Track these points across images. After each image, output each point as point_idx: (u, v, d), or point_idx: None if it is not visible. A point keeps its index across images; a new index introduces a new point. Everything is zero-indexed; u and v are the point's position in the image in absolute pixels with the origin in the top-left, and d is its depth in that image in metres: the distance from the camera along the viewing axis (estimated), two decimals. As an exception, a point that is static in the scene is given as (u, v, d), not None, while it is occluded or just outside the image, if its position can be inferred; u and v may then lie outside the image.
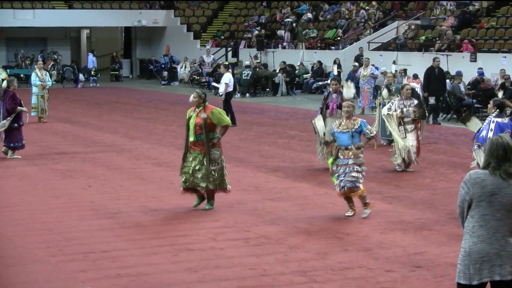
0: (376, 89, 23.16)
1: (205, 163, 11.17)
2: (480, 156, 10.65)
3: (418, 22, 33.65)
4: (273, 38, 38.81)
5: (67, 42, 44.61)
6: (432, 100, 22.81)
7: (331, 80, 15.32)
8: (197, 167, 11.18)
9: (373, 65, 26.17)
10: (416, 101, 14.80)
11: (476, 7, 31.90)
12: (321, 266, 8.69)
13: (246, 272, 8.48)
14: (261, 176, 14.36)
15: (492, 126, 10.53)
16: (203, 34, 43.37)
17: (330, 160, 11.15)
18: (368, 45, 33.18)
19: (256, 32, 38.93)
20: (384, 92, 18.11)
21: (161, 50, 43.96)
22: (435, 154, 16.38)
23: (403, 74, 24.33)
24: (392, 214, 11.28)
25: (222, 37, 42.30)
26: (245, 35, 40.29)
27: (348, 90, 12.57)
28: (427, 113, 14.89)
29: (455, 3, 33.44)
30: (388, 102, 17.79)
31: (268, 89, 33.21)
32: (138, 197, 12.38)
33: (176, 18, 44.12)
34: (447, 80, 24.66)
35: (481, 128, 10.83)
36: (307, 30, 37.40)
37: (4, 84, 16.62)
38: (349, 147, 10.80)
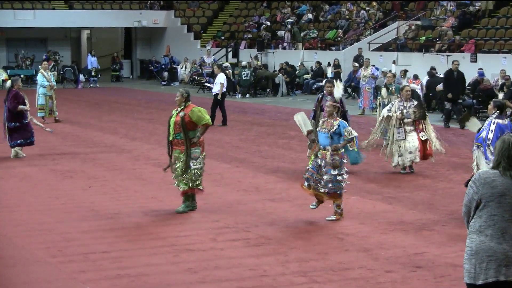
0: (377, 90, 23.16)
1: (185, 161, 11.12)
2: (479, 157, 10.65)
3: (419, 22, 33.65)
4: (273, 39, 38.81)
5: (68, 42, 44.62)
6: (448, 106, 22.41)
7: (325, 82, 15.03)
8: (179, 167, 11.16)
9: (373, 65, 26.16)
10: (416, 102, 14.77)
11: (477, 7, 31.90)
12: (321, 266, 8.69)
13: (246, 272, 8.48)
14: (261, 177, 14.36)
15: (493, 127, 10.52)
16: (203, 34, 43.37)
17: (311, 158, 10.92)
18: (369, 46, 33.18)
19: (264, 32, 38.85)
20: (383, 91, 18.09)
21: (162, 50, 43.96)
22: (435, 155, 16.35)
23: (402, 75, 24.34)
24: (392, 215, 11.28)
25: (223, 37, 42.30)
26: (245, 36, 40.29)
27: (337, 90, 12.33)
28: (427, 113, 14.77)
29: (456, 3, 33.44)
30: (388, 101, 17.82)
31: (268, 90, 33.22)
32: (138, 198, 12.38)
33: (176, 19, 44.13)
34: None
35: (481, 129, 10.82)
36: (308, 31, 37.41)
37: (8, 83, 16.68)
38: (327, 147, 10.64)
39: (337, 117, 10.86)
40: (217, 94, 22.02)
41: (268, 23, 39.53)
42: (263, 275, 8.38)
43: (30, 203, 12.08)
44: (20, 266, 8.76)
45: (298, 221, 10.83)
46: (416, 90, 24.18)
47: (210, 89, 31.80)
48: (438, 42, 30.46)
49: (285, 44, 37.98)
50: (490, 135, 10.41)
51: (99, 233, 10.21)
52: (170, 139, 11.32)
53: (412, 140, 14.34)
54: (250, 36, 40.04)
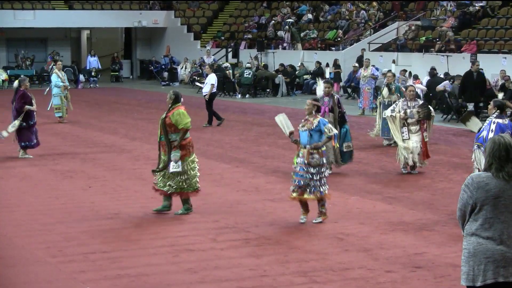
0: (376, 90, 23.15)
1: (164, 163, 11.10)
2: (479, 157, 10.64)
3: (418, 22, 33.67)
4: (273, 39, 38.81)
5: (67, 42, 44.62)
6: (471, 107, 21.80)
7: (323, 83, 14.84)
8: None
9: (373, 65, 26.16)
10: (420, 102, 14.70)
11: (477, 8, 31.90)
12: (321, 266, 8.69)
13: (246, 272, 8.48)
14: (261, 177, 14.36)
15: (493, 127, 10.52)
16: (203, 34, 43.38)
17: (294, 159, 10.81)
18: (369, 46, 33.19)
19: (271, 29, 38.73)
20: (385, 91, 18.08)
21: (162, 50, 43.97)
22: (436, 155, 16.34)
23: (402, 74, 24.31)
24: (392, 215, 11.28)
25: (223, 37, 42.31)
26: (245, 36, 40.30)
27: (319, 88, 12.24)
28: (432, 113, 14.66)
29: (455, 3, 33.45)
30: (388, 101, 17.82)
31: (268, 90, 33.22)
32: (138, 198, 12.37)
33: (176, 19, 44.13)
34: (447, 81, 24.68)
35: (481, 128, 10.82)
36: (307, 31, 37.42)
37: (16, 83, 16.74)
38: (307, 146, 10.53)
39: (317, 115, 10.71)
40: (205, 95, 22.02)
41: (279, 20, 39.18)
42: (263, 275, 8.38)
43: (30, 203, 12.08)
44: (20, 266, 8.77)
45: (298, 221, 10.82)
46: (416, 89, 24.20)
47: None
48: (438, 42, 30.46)
49: (285, 45, 37.99)
50: (491, 135, 10.41)
51: (99, 233, 10.21)
52: (158, 140, 11.34)
53: (416, 141, 14.25)
54: (250, 36, 40.04)
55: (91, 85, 38.47)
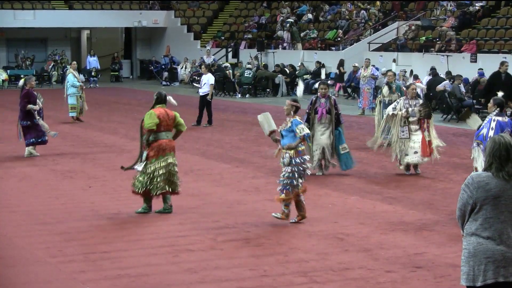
0: (376, 90, 23.15)
1: (135, 162, 11.27)
2: (478, 154, 10.64)
3: (419, 22, 33.66)
4: (273, 39, 38.81)
5: (67, 42, 44.63)
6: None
7: (319, 84, 14.72)
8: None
9: (373, 65, 26.15)
10: (421, 101, 14.64)
11: (477, 7, 31.90)
12: (321, 266, 8.69)
13: (246, 272, 8.48)
14: (261, 177, 14.36)
15: (493, 124, 10.52)
16: (203, 34, 43.38)
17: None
18: (369, 46, 33.19)
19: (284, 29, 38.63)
20: (385, 89, 18.06)
21: (162, 50, 43.97)
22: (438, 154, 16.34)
23: (401, 75, 24.28)
24: (392, 215, 11.27)
25: (223, 37, 42.31)
26: (245, 36, 40.30)
27: (299, 89, 12.04)
28: (432, 113, 14.62)
29: (455, 3, 33.44)
30: (389, 99, 17.81)
31: (268, 90, 33.23)
32: (138, 198, 12.34)
33: (176, 19, 44.14)
34: (447, 81, 24.67)
35: (482, 126, 10.82)
36: (307, 31, 37.41)
37: (21, 82, 16.82)
38: (283, 146, 10.49)
39: (295, 115, 10.61)
40: (206, 95, 21.98)
41: (292, 20, 39.03)
42: (263, 275, 8.38)
43: (30, 203, 12.08)
44: (20, 266, 8.76)
45: (298, 221, 10.81)
46: (417, 89, 24.17)
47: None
48: (438, 42, 30.46)
49: (285, 45, 37.98)
50: (491, 133, 10.42)
51: (99, 233, 10.21)
52: None
53: (418, 140, 14.21)
54: (250, 36, 40.03)
55: (91, 85, 38.46)
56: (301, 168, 10.51)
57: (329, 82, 32.03)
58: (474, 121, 11.43)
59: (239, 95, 32.59)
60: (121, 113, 25.70)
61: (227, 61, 38.77)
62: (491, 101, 10.95)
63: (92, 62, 39.79)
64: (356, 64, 29.29)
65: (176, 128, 11.43)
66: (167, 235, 10.09)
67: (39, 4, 42.04)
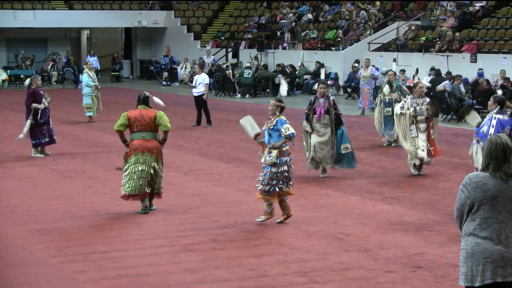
0: (377, 90, 23.14)
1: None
2: (477, 151, 10.64)
3: (419, 22, 33.67)
4: (273, 39, 38.81)
5: (67, 42, 44.63)
6: None
7: (318, 84, 14.53)
8: None
9: (373, 65, 26.15)
10: (428, 99, 14.52)
11: (476, 8, 31.90)
12: (321, 266, 8.69)
13: (246, 272, 8.48)
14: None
15: (494, 122, 10.52)
16: (203, 34, 43.38)
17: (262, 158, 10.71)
18: (369, 46, 33.19)
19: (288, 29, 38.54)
20: (386, 88, 18.02)
21: (162, 50, 43.97)
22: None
23: (406, 75, 24.30)
24: (392, 215, 11.28)
25: (223, 37, 42.31)
26: (245, 36, 40.30)
27: (282, 88, 11.98)
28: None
29: (455, 3, 33.44)
30: (389, 99, 17.79)
31: (268, 90, 33.22)
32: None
33: (176, 19, 44.14)
34: (447, 81, 24.68)
35: (482, 124, 10.81)
36: (307, 31, 37.40)
37: (27, 82, 16.90)
38: (267, 146, 10.44)
39: (280, 115, 10.57)
40: (201, 95, 21.99)
41: (310, 16, 38.95)
42: (263, 275, 8.38)
43: (30, 203, 12.08)
44: (20, 266, 8.76)
45: (298, 221, 10.82)
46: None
47: (211, 89, 31.85)
48: (438, 42, 30.46)
49: (285, 45, 37.98)
50: (491, 130, 10.42)
51: (99, 233, 10.21)
52: None
53: (424, 139, 14.13)
54: (250, 36, 40.03)
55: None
56: (285, 168, 10.49)
57: (328, 82, 32.08)
58: (473, 118, 11.44)
59: (239, 95, 32.59)
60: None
61: (227, 61, 38.78)
62: (491, 98, 10.95)
63: (92, 62, 39.71)
64: (356, 64, 29.29)
65: (160, 129, 11.45)
66: (167, 235, 10.09)
67: (39, 4, 42.04)
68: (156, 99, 11.81)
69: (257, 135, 10.66)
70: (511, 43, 28.37)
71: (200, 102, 22.12)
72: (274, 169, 10.42)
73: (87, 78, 22.94)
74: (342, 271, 8.54)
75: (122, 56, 45.65)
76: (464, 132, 20.05)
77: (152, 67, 42.71)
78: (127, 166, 11.22)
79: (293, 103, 29.33)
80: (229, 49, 39.67)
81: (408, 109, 14.12)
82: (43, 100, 16.26)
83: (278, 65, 34.01)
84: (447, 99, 23.71)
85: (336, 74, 33.49)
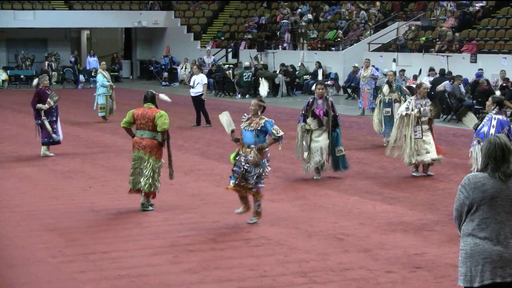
0: (377, 90, 23.14)
1: None
2: (478, 152, 10.65)
3: (418, 23, 33.67)
4: (273, 39, 38.81)
5: (67, 43, 44.62)
6: None
7: (316, 85, 14.35)
8: None
9: (373, 66, 26.15)
10: (430, 101, 14.45)
11: (476, 8, 31.90)
12: (321, 267, 8.69)
13: (246, 273, 8.49)
14: (261, 177, 14.32)
15: (494, 122, 10.52)
16: (203, 35, 43.38)
17: (232, 155, 10.64)
18: (369, 46, 33.19)
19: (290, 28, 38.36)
20: (385, 88, 18.01)
21: (161, 51, 43.97)
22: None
23: (406, 75, 24.31)
24: (392, 215, 11.28)
25: (223, 38, 42.31)
26: (245, 36, 40.29)
27: (262, 88, 11.81)
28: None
29: (455, 4, 33.44)
30: (389, 99, 17.78)
31: (268, 90, 33.18)
32: (138, 198, 12.34)
33: (176, 19, 44.14)
34: (447, 81, 24.68)
35: (482, 124, 10.81)
36: (307, 31, 37.38)
37: (35, 81, 17.04)
38: (251, 146, 10.37)
39: (262, 115, 10.55)
40: (200, 95, 22.01)
41: (310, 16, 38.86)
42: (263, 275, 8.38)
43: (30, 203, 12.08)
44: (20, 266, 8.77)
45: (298, 221, 10.83)
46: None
47: (211, 89, 31.86)
48: (438, 42, 30.46)
49: (285, 45, 37.97)
50: (492, 131, 10.43)
51: (99, 233, 10.21)
52: None
53: (429, 140, 14.08)
54: (250, 36, 40.04)
55: (91, 85, 38.48)
56: (267, 170, 10.54)
57: (328, 82, 32.09)
58: (470, 119, 11.45)
59: (239, 96, 32.59)
60: (121, 113, 25.64)
61: (227, 61, 38.78)
62: (490, 99, 10.96)
63: (92, 62, 39.79)
64: (356, 65, 29.30)
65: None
66: (167, 235, 10.09)
67: (39, 4, 42.04)
68: (162, 96, 11.98)
69: (232, 131, 10.66)
70: (511, 44, 28.37)
71: (197, 102, 22.15)
72: (258, 170, 10.43)
73: (101, 78, 23.06)
74: (342, 271, 8.54)
75: (122, 56, 45.65)
76: (464, 132, 20.05)
77: (152, 67, 42.70)
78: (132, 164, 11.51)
79: (293, 103, 29.34)
80: (229, 49, 39.67)
81: (412, 110, 14.05)
82: (48, 99, 16.28)
83: (283, 64, 33.97)
84: (447, 99, 23.72)
85: (336, 74, 33.49)
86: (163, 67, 41.84)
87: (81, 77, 39.03)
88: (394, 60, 27.55)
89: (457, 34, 30.31)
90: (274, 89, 33.15)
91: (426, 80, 25.92)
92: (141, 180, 11.32)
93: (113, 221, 10.92)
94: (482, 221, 5.50)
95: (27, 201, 12.21)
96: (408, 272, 8.50)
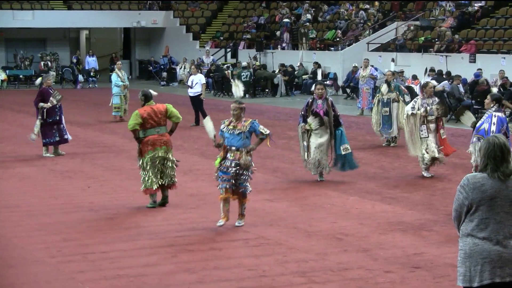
0: (376, 90, 23.13)
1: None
2: (477, 150, 10.66)
3: (417, 23, 33.66)
4: (272, 39, 38.80)
5: (66, 43, 44.60)
6: None
7: (315, 85, 14.16)
8: None
9: (372, 65, 26.15)
10: (437, 99, 14.42)
11: (475, 8, 31.90)
12: (320, 266, 8.69)
13: (245, 273, 8.49)
14: (260, 177, 14.32)
15: (494, 120, 10.54)
16: (202, 35, 43.38)
17: (217, 160, 10.52)
18: (367, 46, 33.19)
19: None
20: (383, 87, 18.00)
21: (160, 51, 43.96)
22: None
23: (406, 76, 24.31)
24: (391, 215, 11.28)
25: (222, 38, 42.30)
26: (244, 36, 40.29)
27: (237, 89, 11.69)
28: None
29: (454, 4, 33.45)
30: (387, 98, 17.78)
31: (267, 90, 33.23)
32: (137, 198, 12.36)
33: (175, 19, 44.13)
34: (446, 81, 24.69)
35: (481, 122, 10.82)
36: (306, 31, 37.38)
37: (38, 80, 17.10)
38: (240, 148, 10.32)
39: (246, 117, 10.50)
40: (198, 95, 22.01)
41: (309, 16, 38.78)
42: (262, 275, 8.38)
43: (30, 203, 12.08)
44: (19, 266, 8.76)
45: (297, 221, 10.83)
46: (416, 89, 24.19)
47: (210, 89, 31.84)
48: (437, 42, 30.46)
49: (284, 45, 37.97)
50: (493, 128, 10.45)
51: (98, 233, 10.21)
52: None
53: (435, 140, 14.04)
54: (249, 36, 40.03)
55: (90, 85, 38.50)
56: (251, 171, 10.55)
57: (327, 82, 32.09)
58: (468, 118, 11.46)
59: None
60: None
61: (226, 61, 38.76)
62: (488, 97, 10.96)
63: (91, 62, 39.78)
64: (356, 64, 29.30)
65: (171, 121, 11.75)
66: (166, 235, 10.09)
67: (38, 4, 42.02)
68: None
69: (215, 136, 10.61)
70: (510, 43, 28.38)
71: (196, 102, 22.17)
72: (248, 172, 10.45)
73: (116, 78, 23.14)
74: (341, 271, 8.54)
75: (121, 56, 45.63)
76: (463, 132, 20.05)
77: (151, 67, 42.69)
78: (145, 161, 11.51)
79: (292, 103, 29.34)
80: (228, 49, 39.66)
81: (418, 109, 13.99)
82: (51, 98, 16.29)
83: (283, 65, 33.95)
84: (446, 99, 23.72)
85: (335, 74, 33.49)
86: (162, 67, 41.83)
87: (80, 77, 39.01)
88: (393, 60, 27.57)
89: (456, 36, 30.28)
90: (273, 89, 33.15)
91: (424, 80, 25.94)
92: (167, 175, 11.56)
93: (112, 221, 10.92)
94: (481, 221, 5.50)
95: (26, 201, 12.21)
96: (407, 272, 8.51)
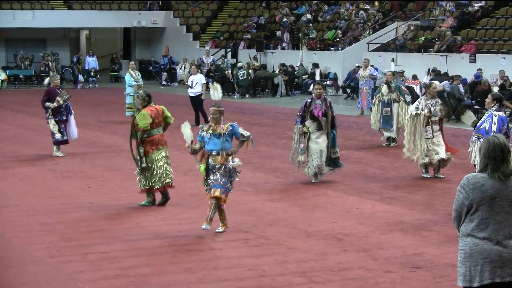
0: (375, 90, 23.14)
1: (134, 159, 11.89)
2: (477, 148, 10.65)
3: (418, 23, 33.67)
4: (272, 39, 38.80)
5: (66, 43, 44.60)
6: None
7: (313, 85, 14.10)
8: None
9: (372, 66, 26.15)
10: (440, 100, 14.37)
11: (476, 8, 31.90)
12: (320, 266, 8.69)
13: (245, 273, 8.48)
14: (260, 177, 14.35)
15: (495, 119, 10.55)
16: (202, 35, 43.38)
17: (202, 167, 10.40)
18: (368, 46, 33.19)
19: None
20: (384, 88, 18.00)
21: (161, 51, 43.96)
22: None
23: (406, 75, 24.31)
24: (391, 215, 11.28)
25: (222, 38, 42.30)
26: (244, 36, 40.29)
27: (215, 92, 11.52)
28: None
29: (454, 4, 33.45)
30: (388, 99, 17.78)
31: (267, 90, 33.24)
32: (137, 198, 12.36)
33: (175, 19, 44.13)
34: (446, 81, 24.69)
35: (482, 121, 10.82)
36: (306, 30, 37.39)
37: (46, 81, 17.16)
38: (220, 152, 10.17)
39: (226, 121, 10.40)
40: (199, 95, 22.03)
41: (309, 16, 38.74)
42: (262, 275, 8.38)
43: (29, 203, 12.08)
44: (19, 267, 8.76)
45: (297, 221, 10.83)
46: (417, 90, 24.22)
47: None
48: (437, 42, 30.46)
49: (284, 45, 37.97)
50: (494, 127, 10.45)
51: (98, 233, 10.20)
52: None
53: (438, 141, 13.96)
54: (249, 36, 40.04)
55: (90, 85, 38.50)
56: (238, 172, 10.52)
57: (327, 82, 32.09)
58: (468, 117, 11.46)
59: (238, 95, 32.59)
60: (120, 113, 25.67)
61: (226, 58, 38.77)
62: (489, 96, 10.97)
63: (91, 62, 39.78)
64: (358, 64, 29.31)
65: (164, 121, 11.87)
66: (166, 235, 10.09)
67: (38, 4, 42.01)
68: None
69: (192, 142, 10.52)
70: (510, 43, 28.38)
71: (196, 102, 22.18)
72: (230, 174, 10.37)
73: (129, 78, 23.13)
74: (341, 271, 8.54)
75: (121, 56, 45.64)
76: (463, 132, 20.05)
77: (151, 67, 42.70)
78: (150, 161, 11.59)
79: (292, 103, 29.34)
80: (228, 49, 39.66)
81: (422, 109, 13.94)
82: (57, 98, 16.31)
83: (283, 64, 33.95)
84: (446, 99, 23.72)
85: (335, 74, 33.49)
86: (162, 67, 41.83)
87: (80, 77, 39.01)
88: (393, 60, 27.57)
89: (458, 37, 30.26)
90: (273, 89, 33.16)
91: (424, 80, 25.96)
92: (168, 174, 11.64)
93: (112, 221, 10.91)
94: (481, 221, 5.50)
95: (26, 201, 12.21)
96: (407, 272, 8.50)
